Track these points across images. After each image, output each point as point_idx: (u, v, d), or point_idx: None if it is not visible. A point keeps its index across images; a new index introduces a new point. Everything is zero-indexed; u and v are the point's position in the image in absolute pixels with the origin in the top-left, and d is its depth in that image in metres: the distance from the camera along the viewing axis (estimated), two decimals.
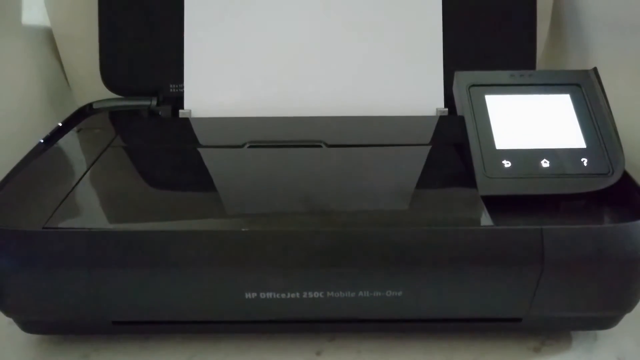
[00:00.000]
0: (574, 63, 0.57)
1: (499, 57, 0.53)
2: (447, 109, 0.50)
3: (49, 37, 0.60)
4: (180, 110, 0.50)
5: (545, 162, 0.37)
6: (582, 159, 0.37)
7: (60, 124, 0.47)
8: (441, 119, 0.49)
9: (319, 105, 0.49)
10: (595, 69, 0.40)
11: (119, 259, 0.32)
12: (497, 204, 0.35)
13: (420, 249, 0.33)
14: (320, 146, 0.43)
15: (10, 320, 0.36)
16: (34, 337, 0.38)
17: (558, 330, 0.38)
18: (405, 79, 0.50)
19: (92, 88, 0.56)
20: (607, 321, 0.36)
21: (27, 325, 0.37)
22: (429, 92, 0.50)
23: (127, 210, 0.36)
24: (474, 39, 0.53)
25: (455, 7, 0.52)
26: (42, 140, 0.44)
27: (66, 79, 0.62)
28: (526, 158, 0.37)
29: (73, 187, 0.37)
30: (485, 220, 0.34)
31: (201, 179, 0.40)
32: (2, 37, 0.53)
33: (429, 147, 0.43)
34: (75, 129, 0.47)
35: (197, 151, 0.44)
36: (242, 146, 0.43)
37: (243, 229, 0.33)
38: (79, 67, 0.61)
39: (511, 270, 0.33)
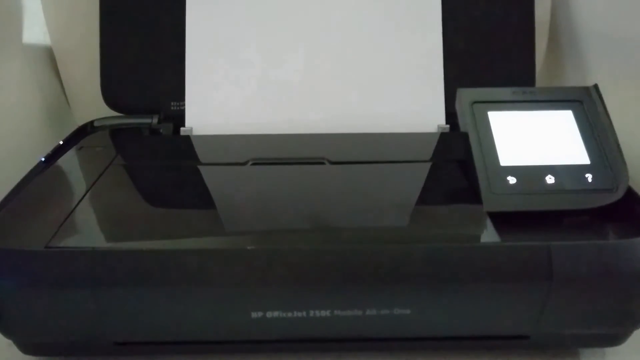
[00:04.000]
0: (572, 79, 0.57)
1: (498, 73, 0.53)
2: (448, 126, 0.50)
3: (49, 56, 0.60)
4: (182, 128, 0.50)
5: (550, 178, 0.37)
6: (587, 175, 0.37)
7: (61, 142, 0.47)
8: (443, 135, 0.49)
9: (321, 122, 0.49)
10: (596, 86, 0.41)
11: (122, 279, 0.32)
12: (503, 221, 0.35)
13: (427, 266, 0.32)
14: (323, 163, 0.43)
15: (9, 342, 0.36)
16: (33, 359, 0.37)
17: (566, 347, 0.37)
18: (407, 96, 0.50)
19: (92, 107, 0.56)
20: (615, 338, 0.36)
21: (27, 347, 0.36)
22: (430, 109, 0.50)
23: (130, 229, 0.36)
24: (473, 57, 0.53)
25: (455, 24, 0.52)
26: (42, 159, 0.44)
27: (66, 97, 0.62)
28: (531, 174, 0.37)
29: (75, 206, 0.37)
30: (493, 236, 0.34)
31: (205, 197, 0.39)
32: (2, 56, 0.53)
33: (433, 164, 0.43)
34: (76, 147, 0.47)
35: (199, 169, 0.43)
36: (245, 163, 0.43)
37: (248, 247, 0.33)
38: (79, 85, 0.61)
39: (519, 287, 0.33)
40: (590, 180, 0.37)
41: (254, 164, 0.43)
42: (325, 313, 0.33)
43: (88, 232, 0.35)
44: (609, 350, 0.37)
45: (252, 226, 0.36)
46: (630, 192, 0.36)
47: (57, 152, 0.45)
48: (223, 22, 0.51)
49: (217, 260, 0.32)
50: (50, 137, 0.56)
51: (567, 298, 0.33)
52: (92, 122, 0.53)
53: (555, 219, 0.36)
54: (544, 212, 0.36)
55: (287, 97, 0.50)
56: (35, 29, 0.58)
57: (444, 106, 0.50)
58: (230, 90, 0.50)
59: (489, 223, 0.35)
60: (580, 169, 0.37)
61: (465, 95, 0.41)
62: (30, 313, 0.33)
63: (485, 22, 0.54)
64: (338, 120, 0.50)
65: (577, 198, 0.36)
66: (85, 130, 0.51)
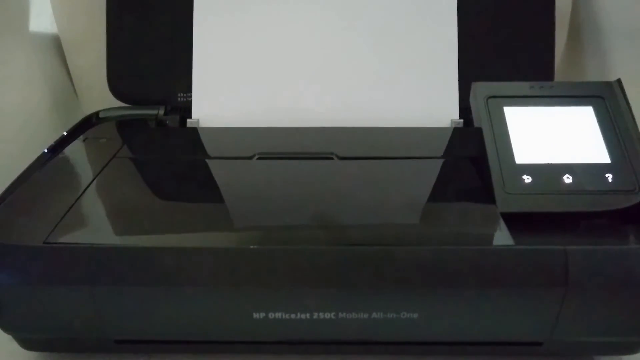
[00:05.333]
0: (593, 73, 0.55)
1: (515, 67, 0.51)
2: (462, 120, 0.48)
3: (56, 45, 0.60)
4: (188, 120, 0.49)
5: (567, 177, 0.35)
6: (607, 175, 0.35)
7: (65, 133, 0.46)
8: (456, 130, 0.47)
9: (331, 115, 0.48)
10: (619, 80, 0.39)
11: (122, 277, 0.31)
12: (517, 222, 0.33)
13: (437, 268, 0.31)
14: (331, 158, 0.41)
15: (10, 337, 0.35)
16: (33, 354, 0.36)
17: (580, 355, 0.36)
18: (420, 89, 0.49)
19: (100, 96, 0.55)
20: (632, 346, 0.35)
21: (27, 343, 0.36)
22: (443, 103, 0.49)
23: (132, 224, 0.35)
24: (490, 49, 0.51)
25: (471, 15, 0.50)
26: (46, 150, 0.43)
27: (73, 87, 0.61)
28: (548, 173, 0.35)
29: (76, 200, 0.36)
30: (506, 239, 0.32)
31: (209, 193, 0.38)
32: (9, 44, 0.52)
33: (445, 161, 0.42)
34: (80, 138, 0.46)
35: (205, 163, 0.42)
36: (251, 158, 0.42)
37: (251, 247, 0.32)
38: (87, 75, 0.60)
39: (533, 293, 0.31)
40: (610, 180, 0.35)
41: (260, 158, 0.42)
42: (329, 315, 0.32)
43: (89, 228, 0.34)
44: (626, 359, 0.36)
45: (256, 223, 0.35)
46: None
47: (61, 143, 0.45)
48: (231, 11, 0.50)
49: (219, 260, 0.31)
50: (57, 127, 0.55)
51: (583, 305, 0.31)
52: (97, 113, 0.52)
53: (573, 222, 0.34)
54: (561, 213, 0.34)
55: (295, 89, 0.49)
56: (42, 18, 0.58)
57: (457, 100, 0.48)
58: (238, 82, 0.49)
59: (502, 224, 0.33)
60: (600, 169, 0.35)
61: (481, 89, 0.39)
62: (28, 309, 0.32)
63: (503, 13, 0.52)
64: (347, 113, 0.48)
65: (596, 199, 0.34)
66: (90, 121, 0.51)
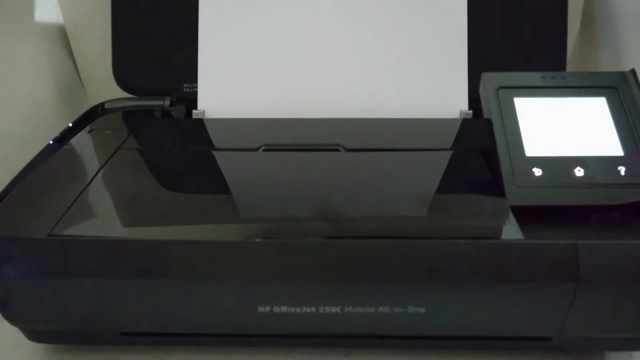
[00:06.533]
0: (606, 64, 0.54)
1: (526, 56, 0.50)
2: (471, 111, 0.47)
3: (62, 35, 0.59)
4: (194, 111, 0.49)
5: (579, 170, 0.34)
6: (619, 168, 0.34)
7: (70, 125, 0.46)
8: (465, 122, 0.46)
9: (338, 106, 0.47)
10: (633, 71, 0.38)
11: (126, 270, 0.31)
12: (527, 216, 0.33)
13: (445, 262, 0.31)
14: (338, 150, 0.41)
15: (16, 328, 0.35)
16: (40, 345, 0.37)
17: (590, 350, 0.36)
18: (428, 79, 0.48)
19: (107, 87, 0.54)
20: None
21: (33, 334, 0.36)
22: (452, 94, 0.48)
23: (137, 217, 0.35)
24: (501, 38, 0.50)
25: (481, 3, 0.49)
26: (51, 141, 0.43)
27: (80, 77, 0.61)
28: (558, 166, 0.34)
29: (81, 192, 0.36)
30: (515, 233, 0.32)
31: (214, 185, 0.38)
32: (15, 35, 0.52)
33: (454, 153, 0.41)
34: (86, 129, 0.46)
35: (210, 155, 0.42)
36: (256, 149, 0.41)
37: (257, 240, 0.31)
38: (93, 65, 0.60)
39: (543, 288, 0.31)
40: (623, 173, 0.34)
41: (265, 149, 0.41)
42: (335, 309, 0.32)
43: (94, 220, 0.34)
44: (637, 354, 0.35)
45: (262, 216, 0.35)
46: None
47: (67, 135, 0.45)
48: (237, 1, 0.49)
49: (224, 253, 0.31)
50: (63, 118, 0.55)
51: (593, 299, 0.31)
52: (102, 104, 0.52)
53: (584, 216, 0.33)
54: (572, 207, 0.33)
55: (301, 80, 0.48)
56: (48, 7, 0.57)
57: (467, 91, 0.47)
58: (244, 73, 0.49)
59: (512, 218, 0.33)
60: (613, 161, 0.35)
61: (490, 79, 0.39)
62: (34, 301, 0.32)
63: (514, 1, 0.50)
64: (354, 104, 0.47)
65: (608, 193, 0.34)
66: (96, 112, 0.50)
